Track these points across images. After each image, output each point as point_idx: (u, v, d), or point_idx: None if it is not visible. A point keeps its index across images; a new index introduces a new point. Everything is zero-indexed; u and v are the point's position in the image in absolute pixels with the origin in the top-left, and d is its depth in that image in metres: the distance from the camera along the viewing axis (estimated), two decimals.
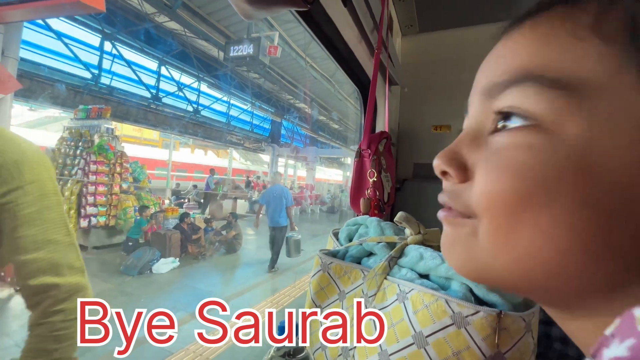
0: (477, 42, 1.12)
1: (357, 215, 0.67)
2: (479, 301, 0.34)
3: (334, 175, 21.72)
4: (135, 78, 7.93)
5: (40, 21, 6.93)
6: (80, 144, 6.03)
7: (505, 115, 0.20)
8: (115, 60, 7.52)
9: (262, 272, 5.11)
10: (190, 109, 9.64)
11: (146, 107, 8.12)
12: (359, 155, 0.75)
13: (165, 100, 8.80)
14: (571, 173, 0.16)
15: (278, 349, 0.45)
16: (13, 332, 2.87)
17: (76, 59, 7.21)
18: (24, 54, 6.92)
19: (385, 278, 0.42)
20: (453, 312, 0.33)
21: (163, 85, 8.71)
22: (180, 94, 9.35)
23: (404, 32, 1.38)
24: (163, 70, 8.61)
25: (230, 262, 5.82)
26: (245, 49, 6.38)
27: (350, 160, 17.38)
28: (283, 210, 4.75)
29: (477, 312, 0.32)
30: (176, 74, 9.08)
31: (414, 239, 0.46)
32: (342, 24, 0.75)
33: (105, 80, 7.45)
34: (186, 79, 9.25)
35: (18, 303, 3.33)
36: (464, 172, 0.22)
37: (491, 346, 0.31)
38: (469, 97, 0.25)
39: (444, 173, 0.23)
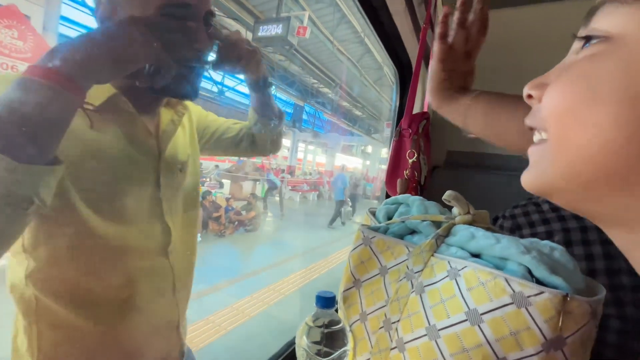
0: (524, 24, 1.03)
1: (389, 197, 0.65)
2: (539, 283, 0.33)
3: (354, 162, 21.55)
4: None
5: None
6: None
7: (586, 40, 0.23)
8: None
9: (281, 252, 5.24)
10: (215, 89, 9.76)
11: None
12: (399, 135, 0.72)
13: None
14: (625, 75, 0.19)
15: (315, 319, 0.45)
16: None
17: None
18: (62, 29, 7.29)
19: (433, 255, 0.40)
20: (513, 291, 0.31)
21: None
22: (207, 74, 9.40)
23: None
24: None
25: (249, 240, 6.00)
26: (274, 29, 6.30)
27: (371, 149, 17.12)
28: (342, 190, 6.71)
29: (541, 292, 0.30)
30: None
31: (463, 219, 0.45)
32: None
33: None
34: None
35: None
36: (542, 92, 0.25)
37: (553, 329, 0.29)
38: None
39: (529, 97, 0.26)
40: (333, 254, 5.41)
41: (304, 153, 17.03)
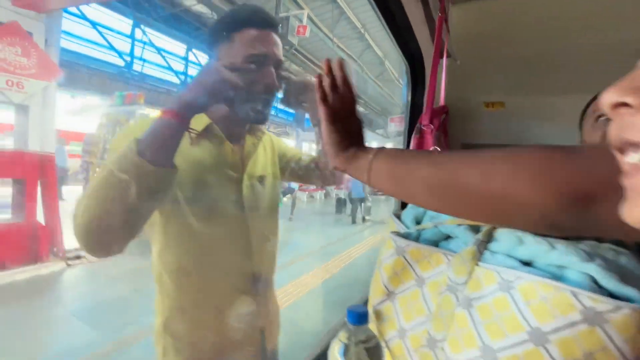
0: (537, 12, 0.98)
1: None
2: (609, 294, 0.29)
3: None
4: (165, 64, 8.14)
5: (76, 10, 7.22)
6: (117, 129, 6.09)
7: None
8: (146, 47, 7.71)
9: (292, 252, 5.25)
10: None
11: (176, 94, 8.25)
12: (420, 132, 0.68)
13: None
14: None
15: (349, 335, 0.42)
16: (67, 303, 3.11)
17: (110, 46, 7.48)
18: (64, 43, 7.35)
19: (477, 265, 0.37)
20: (584, 306, 0.27)
21: (192, 71, 8.84)
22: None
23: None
24: (191, 56, 8.75)
25: None
26: None
27: (376, 144, 16.75)
28: (361, 188, 7.05)
29: (619, 308, 0.26)
30: (203, 59, 9.24)
31: None
32: None
33: (137, 67, 7.69)
34: None
35: (71, 275, 3.57)
36: None
37: (635, 349, 0.26)
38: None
39: (619, 105, 0.19)
40: (346, 250, 5.39)
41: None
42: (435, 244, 0.45)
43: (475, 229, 0.43)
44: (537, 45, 1.02)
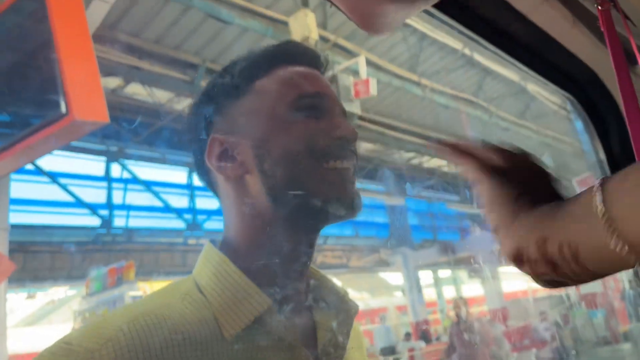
0: None
1: None
2: None
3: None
4: (161, 205, 5.37)
5: (28, 166, 5.02)
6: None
7: None
8: (129, 186, 5.19)
9: None
10: None
11: (183, 245, 5.48)
12: None
13: (210, 224, 5.72)
14: None
15: None
16: None
17: (78, 202, 5.03)
18: (14, 217, 5.07)
19: None
20: None
21: (201, 203, 5.78)
22: None
23: None
24: (197, 180, 6.03)
25: None
26: None
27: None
28: None
29: None
30: None
31: None
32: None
33: (119, 221, 5.09)
34: None
35: None
36: None
37: None
38: None
39: None
40: None
41: (436, 288, 8.88)
42: None
43: None
44: None
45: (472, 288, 9.74)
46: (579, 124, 0.93)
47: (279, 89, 0.38)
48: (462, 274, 9.27)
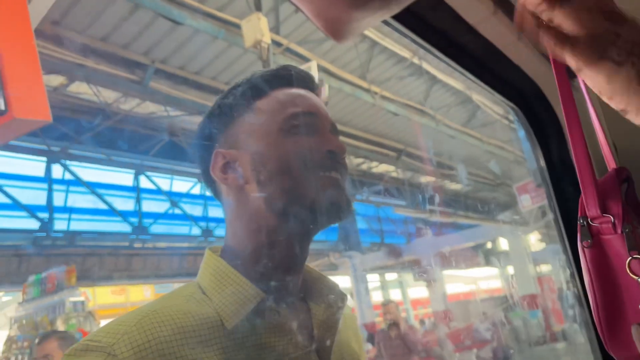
0: None
1: None
2: None
3: (482, 281, 10.64)
4: (105, 207, 5.16)
5: None
6: (36, 341, 3.59)
7: None
8: (71, 187, 4.97)
9: None
10: (197, 231, 6.37)
11: (128, 249, 5.32)
12: (589, 235, 0.35)
13: (157, 227, 5.66)
14: None
15: None
16: None
17: (15, 204, 4.73)
18: None
19: None
20: None
21: (148, 206, 5.71)
22: (178, 210, 6.17)
23: None
24: (144, 182, 5.73)
25: None
26: None
27: (506, 244, 7.96)
28: None
29: None
30: (165, 182, 6.43)
31: None
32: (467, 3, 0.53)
33: (60, 224, 4.83)
34: (184, 184, 6.38)
35: None
36: None
37: None
38: None
39: None
40: None
41: (381, 291, 9.48)
42: None
43: None
44: None
45: (417, 291, 10.02)
46: (521, 133, 0.96)
47: (275, 109, 0.41)
48: (408, 277, 9.50)
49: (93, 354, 0.31)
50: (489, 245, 8.56)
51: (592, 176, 0.35)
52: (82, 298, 4.19)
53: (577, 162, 0.36)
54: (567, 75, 0.37)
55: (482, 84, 0.73)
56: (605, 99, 0.29)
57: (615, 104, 0.29)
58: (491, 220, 8.49)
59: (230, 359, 0.36)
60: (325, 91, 4.38)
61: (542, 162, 0.84)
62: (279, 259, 0.41)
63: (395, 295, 9.87)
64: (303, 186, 0.39)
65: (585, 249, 0.36)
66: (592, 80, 0.29)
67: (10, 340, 4.27)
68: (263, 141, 0.40)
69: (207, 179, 0.43)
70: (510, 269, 8.21)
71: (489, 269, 9.84)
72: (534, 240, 8.25)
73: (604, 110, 0.48)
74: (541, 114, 0.81)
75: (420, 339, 4.65)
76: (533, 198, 6.38)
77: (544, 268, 8.40)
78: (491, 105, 5.89)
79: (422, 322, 8.16)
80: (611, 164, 0.44)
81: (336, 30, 0.30)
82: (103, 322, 4.47)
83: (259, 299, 0.38)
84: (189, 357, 0.32)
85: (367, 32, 4.14)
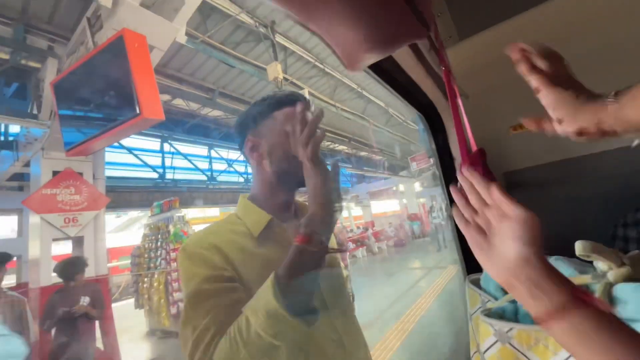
0: (523, 31, 0.97)
1: None
2: None
3: (392, 206, 19.73)
4: (192, 167, 8.97)
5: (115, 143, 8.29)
6: (159, 236, 6.21)
7: None
8: (174, 156, 8.61)
9: None
10: (241, 180, 10.50)
11: (205, 189, 8.93)
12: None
13: (221, 177, 9.71)
14: None
15: None
16: None
17: (145, 164, 8.38)
18: (108, 172, 8.23)
19: None
20: None
21: (215, 166, 9.69)
22: (231, 169, 10.28)
23: (446, 44, 1.29)
24: (213, 154, 9.67)
25: None
26: None
27: (403, 187, 15.98)
28: None
29: None
30: (224, 153, 10.10)
31: (619, 274, 0.33)
32: (399, 53, 0.73)
33: (169, 175, 8.47)
34: (235, 154, 10.16)
35: None
36: None
37: None
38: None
39: None
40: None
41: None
42: None
43: None
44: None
45: (356, 211, 17.62)
46: (420, 128, 1.28)
47: (284, 118, 0.63)
48: (351, 204, 16.63)
49: (192, 248, 0.56)
50: (394, 187, 16.18)
51: (466, 148, 0.53)
52: (183, 214, 6.04)
53: (459, 141, 0.51)
54: (454, 94, 0.55)
55: (401, 97, 0.97)
56: (549, 111, 0.39)
57: (555, 115, 0.37)
58: (396, 175, 15.18)
59: (257, 251, 0.59)
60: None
61: (433, 145, 1.18)
62: (278, 199, 0.65)
63: (345, 213, 16.96)
64: (294, 164, 0.58)
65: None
66: (545, 98, 0.38)
67: (144, 236, 6.36)
68: (274, 136, 0.62)
69: (243, 154, 0.65)
70: (405, 200, 16.33)
71: (395, 200, 17.89)
72: (417, 186, 16.21)
73: (470, 116, 0.68)
74: (432, 116, 1.13)
75: (346, 238, 9.28)
76: (418, 164, 12.84)
77: (422, 199, 16.52)
78: (399, 114, 9.60)
79: (358, 227, 14.75)
80: (474, 147, 0.60)
81: (353, 64, 0.39)
82: (195, 226, 7.11)
83: (269, 219, 0.62)
84: (238, 247, 0.56)
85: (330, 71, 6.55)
